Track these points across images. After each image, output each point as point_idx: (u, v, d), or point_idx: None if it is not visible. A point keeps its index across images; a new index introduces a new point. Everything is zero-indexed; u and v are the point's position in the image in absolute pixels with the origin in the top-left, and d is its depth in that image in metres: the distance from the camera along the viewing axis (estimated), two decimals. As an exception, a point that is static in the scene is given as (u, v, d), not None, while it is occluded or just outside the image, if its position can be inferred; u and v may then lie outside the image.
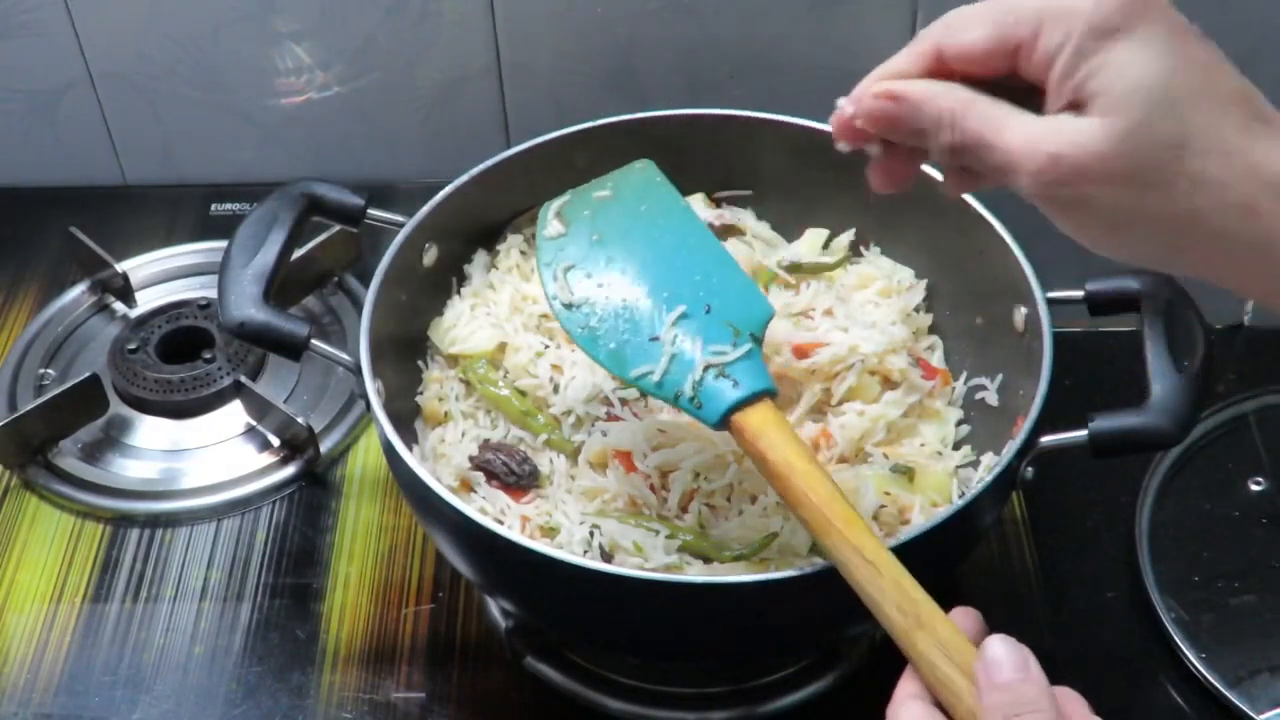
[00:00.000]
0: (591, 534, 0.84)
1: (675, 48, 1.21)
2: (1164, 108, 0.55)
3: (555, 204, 0.88)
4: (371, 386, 0.83)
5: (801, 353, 0.90)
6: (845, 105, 0.65)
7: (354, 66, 1.25)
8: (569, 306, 0.82)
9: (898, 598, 0.65)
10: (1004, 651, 0.60)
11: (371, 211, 0.94)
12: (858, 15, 1.18)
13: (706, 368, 0.77)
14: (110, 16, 1.22)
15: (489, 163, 0.97)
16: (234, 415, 1.11)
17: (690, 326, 0.79)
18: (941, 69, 0.61)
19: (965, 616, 0.64)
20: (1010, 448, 0.80)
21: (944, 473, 0.89)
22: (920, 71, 0.61)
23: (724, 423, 0.76)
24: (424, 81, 1.25)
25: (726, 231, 1.00)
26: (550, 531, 0.86)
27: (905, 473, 0.88)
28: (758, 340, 0.78)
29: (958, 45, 0.60)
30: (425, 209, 0.94)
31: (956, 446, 0.92)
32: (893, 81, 0.62)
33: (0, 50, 1.24)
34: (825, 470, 0.72)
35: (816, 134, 0.98)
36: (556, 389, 0.91)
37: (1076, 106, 0.57)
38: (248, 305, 0.86)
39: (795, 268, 0.97)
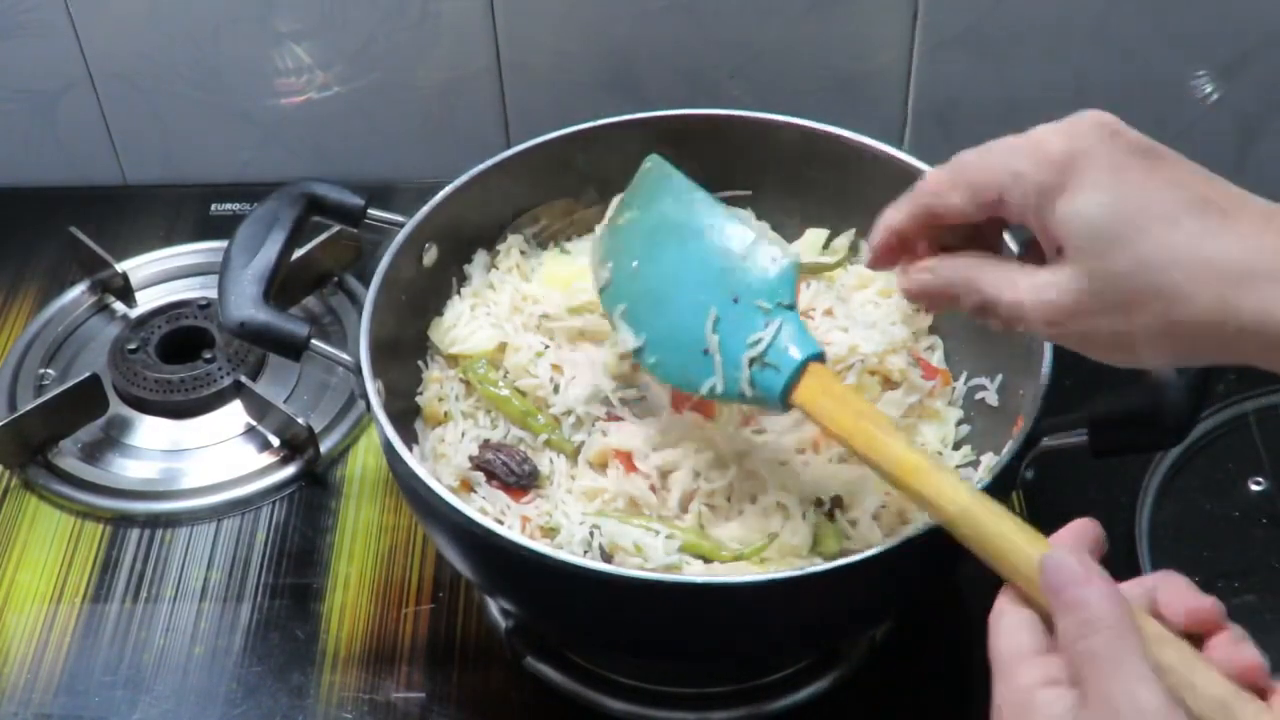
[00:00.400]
0: (591, 534, 0.84)
1: (675, 48, 1.21)
2: (1115, 244, 0.61)
3: (597, 247, 0.90)
4: (371, 386, 0.83)
5: (802, 353, 0.90)
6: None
7: (354, 66, 1.25)
8: (637, 352, 0.84)
9: (969, 533, 0.66)
10: (1064, 566, 0.58)
11: (371, 211, 0.94)
12: (858, 15, 1.18)
13: (750, 363, 0.78)
14: (110, 16, 1.22)
15: (489, 163, 0.97)
16: (234, 415, 1.11)
17: (726, 327, 0.80)
18: (935, 222, 0.69)
19: (1091, 526, 0.63)
20: (1010, 448, 0.80)
21: (944, 473, 0.89)
22: (913, 224, 0.69)
23: (788, 406, 0.78)
24: (424, 81, 1.25)
25: (727, 231, 1.00)
26: (550, 531, 0.86)
27: (905, 473, 0.88)
28: (788, 305, 0.79)
29: (944, 208, 0.68)
30: (425, 209, 0.94)
31: (956, 446, 0.92)
32: (931, 260, 0.70)
33: (0, 50, 1.24)
34: (880, 422, 0.74)
35: (816, 134, 0.98)
36: (556, 389, 0.91)
37: (1061, 251, 0.63)
38: (248, 305, 0.86)
39: (795, 268, 0.97)
